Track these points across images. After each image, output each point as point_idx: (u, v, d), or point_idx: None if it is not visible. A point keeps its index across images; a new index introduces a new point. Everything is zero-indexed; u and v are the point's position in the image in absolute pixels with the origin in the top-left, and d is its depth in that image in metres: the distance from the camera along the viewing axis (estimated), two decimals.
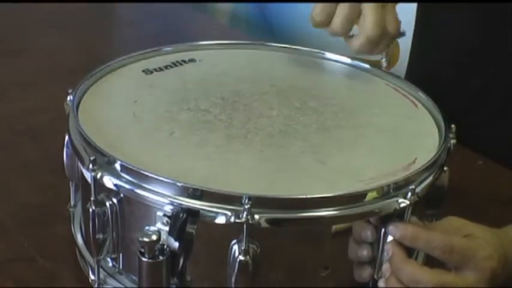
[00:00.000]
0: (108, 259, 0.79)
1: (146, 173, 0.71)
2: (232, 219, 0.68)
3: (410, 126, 0.86)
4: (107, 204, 0.74)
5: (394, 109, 0.90)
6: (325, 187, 0.73)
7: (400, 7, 0.95)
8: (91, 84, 0.89)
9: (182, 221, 0.69)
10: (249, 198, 0.67)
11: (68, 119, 0.82)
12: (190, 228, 0.70)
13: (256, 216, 0.68)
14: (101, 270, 0.78)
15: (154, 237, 0.69)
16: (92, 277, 0.79)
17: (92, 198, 0.73)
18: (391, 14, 0.91)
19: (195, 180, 0.71)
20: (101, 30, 1.57)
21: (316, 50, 1.01)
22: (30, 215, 0.93)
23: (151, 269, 0.70)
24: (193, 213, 0.70)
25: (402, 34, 0.94)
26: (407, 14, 1.18)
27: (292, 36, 1.64)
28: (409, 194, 0.72)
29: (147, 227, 0.70)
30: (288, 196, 0.70)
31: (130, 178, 0.72)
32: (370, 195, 0.71)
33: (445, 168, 0.80)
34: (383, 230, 0.72)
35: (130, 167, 0.72)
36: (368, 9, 0.89)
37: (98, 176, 0.73)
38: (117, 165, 0.73)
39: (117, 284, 0.78)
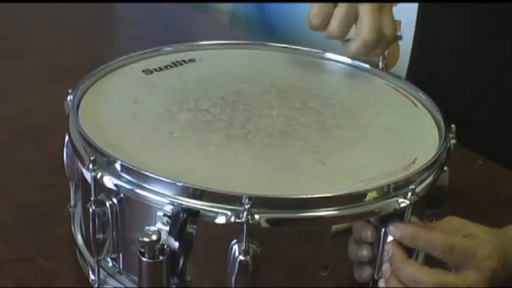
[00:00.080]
0: (108, 259, 0.79)
1: (146, 173, 0.71)
2: (232, 219, 0.68)
3: (411, 126, 0.86)
4: (107, 204, 0.74)
5: (394, 109, 0.90)
6: (325, 187, 0.73)
7: (400, 7, 0.94)
8: (91, 84, 0.89)
9: (182, 221, 0.69)
10: (249, 198, 0.67)
11: (68, 119, 0.82)
12: (191, 228, 0.70)
13: (256, 216, 0.68)
14: (101, 270, 0.78)
15: (154, 237, 0.69)
16: (92, 277, 0.79)
17: (92, 198, 0.73)
18: (388, 17, 0.91)
19: (195, 180, 0.71)
20: (101, 30, 1.57)
21: (316, 50, 1.01)
22: (30, 215, 0.92)
23: (152, 269, 0.70)
24: (193, 213, 0.70)
25: (399, 38, 0.94)
26: (407, 14, 1.18)
27: (292, 36, 1.64)
28: (409, 194, 0.71)
29: (147, 227, 0.70)
30: (288, 196, 0.70)
31: (130, 178, 0.72)
32: (370, 195, 0.71)
33: (445, 168, 0.80)
34: (383, 230, 0.72)
35: (130, 167, 0.72)
36: (365, 12, 0.89)
37: (98, 176, 0.73)
38: (117, 165, 0.73)
39: (117, 284, 0.78)
